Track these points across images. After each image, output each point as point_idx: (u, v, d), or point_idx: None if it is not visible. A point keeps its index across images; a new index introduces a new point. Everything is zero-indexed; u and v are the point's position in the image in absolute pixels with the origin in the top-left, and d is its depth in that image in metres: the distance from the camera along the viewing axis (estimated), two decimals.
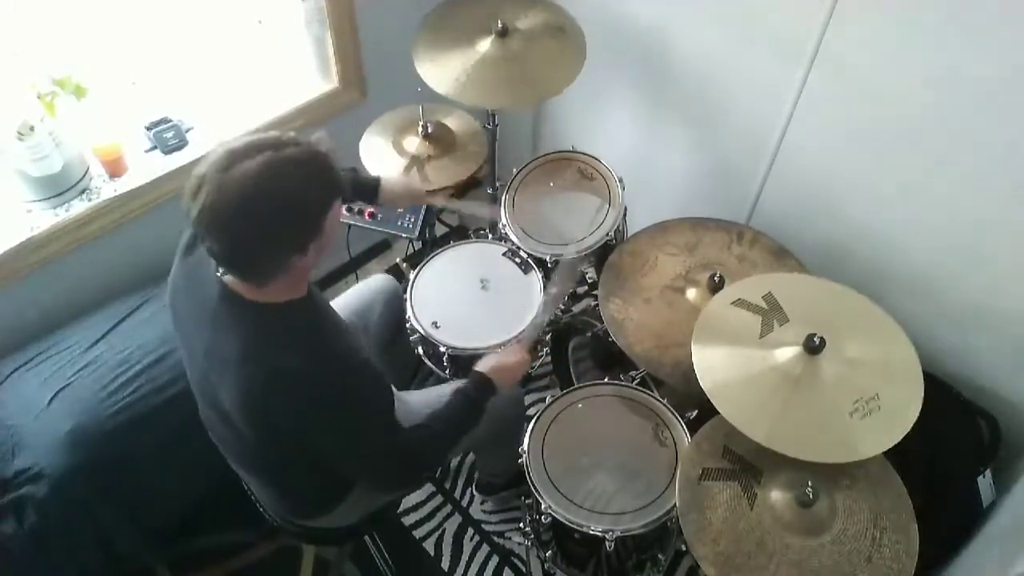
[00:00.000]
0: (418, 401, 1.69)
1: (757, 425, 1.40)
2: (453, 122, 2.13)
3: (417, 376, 2.29)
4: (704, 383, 1.46)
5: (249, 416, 1.26)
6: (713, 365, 1.49)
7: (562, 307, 2.27)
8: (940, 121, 1.62)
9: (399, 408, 1.52)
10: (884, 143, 1.76)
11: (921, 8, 1.53)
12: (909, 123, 1.68)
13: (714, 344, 1.53)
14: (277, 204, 1.14)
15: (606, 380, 1.83)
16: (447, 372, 1.92)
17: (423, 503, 2.24)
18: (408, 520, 2.21)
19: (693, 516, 1.43)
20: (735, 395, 1.44)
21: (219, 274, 1.27)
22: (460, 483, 2.28)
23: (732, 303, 1.59)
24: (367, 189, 1.76)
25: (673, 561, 2.01)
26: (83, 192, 1.91)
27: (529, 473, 1.66)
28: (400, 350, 2.02)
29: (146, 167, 1.99)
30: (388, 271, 2.75)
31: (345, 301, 1.91)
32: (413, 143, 2.05)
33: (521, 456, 1.68)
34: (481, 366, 1.58)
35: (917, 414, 1.39)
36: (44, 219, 1.86)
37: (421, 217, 2.09)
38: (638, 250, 1.88)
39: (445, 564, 2.14)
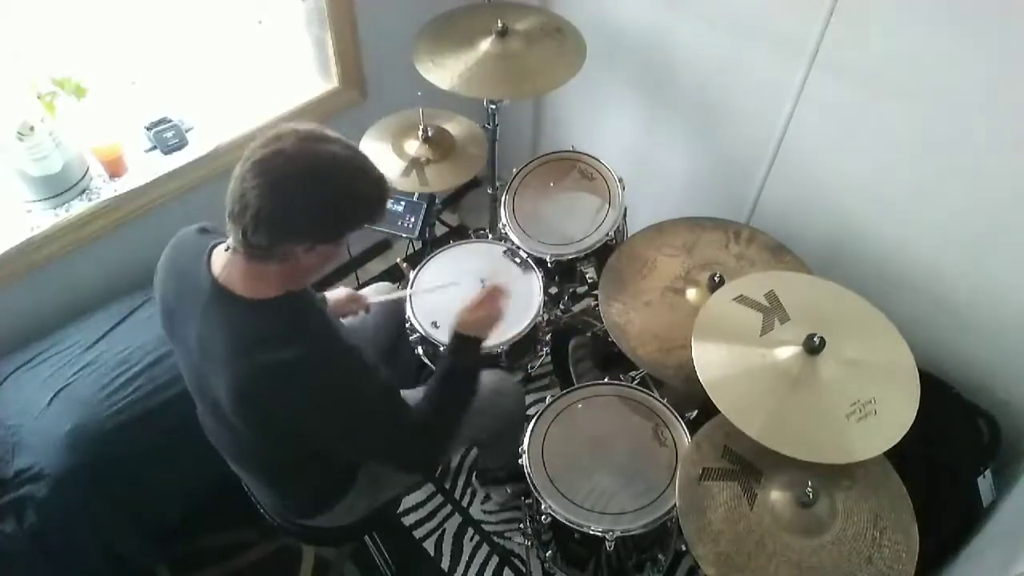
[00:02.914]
0: (417, 397, 1.69)
1: (753, 420, 1.40)
2: (453, 127, 2.13)
3: (418, 381, 2.29)
4: (703, 376, 1.46)
5: (246, 411, 1.27)
6: (712, 360, 1.49)
7: (562, 307, 2.27)
8: (940, 120, 1.63)
9: None
10: (884, 142, 1.76)
11: (920, 7, 1.53)
12: (909, 122, 1.68)
13: (714, 339, 1.53)
14: (336, 193, 1.19)
15: (606, 380, 1.83)
16: None
17: (423, 503, 2.24)
18: (408, 520, 2.21)
19: (693, 516, 1.43)
20: (733, 390, 1.45)
21: (211, 269, 1.28)
22: (460, 483, 2.28)
23: (734, 299, 1.59)
24: None
25: (673, 561, 2.01)
26: (83, 192, 1.91)
27: (529, 473, 1.66)
28: (401, 357, 2.03)
29: (146, 167, 1.99)
30: (388, 271, 2.77)
31: None
32: (413, 146, 2.05)
33: (521, 456, 1.68)
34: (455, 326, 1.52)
35: (912, 420, 1.39)
36: (44, 219, 1.85)
37: (421, 217, 2.09)
38: (636, 252, 1.88)
39: (445, 564, 2.14)
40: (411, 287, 1.96)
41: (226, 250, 1.27)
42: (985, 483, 1.69)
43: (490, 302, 1.55)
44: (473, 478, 2.26)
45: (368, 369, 1.35)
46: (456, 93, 1.89)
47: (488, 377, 1.74)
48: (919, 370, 1.46)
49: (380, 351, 1.93)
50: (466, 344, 1.49)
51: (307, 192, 1.17)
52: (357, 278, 2.64)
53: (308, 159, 1.16)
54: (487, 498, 2.24)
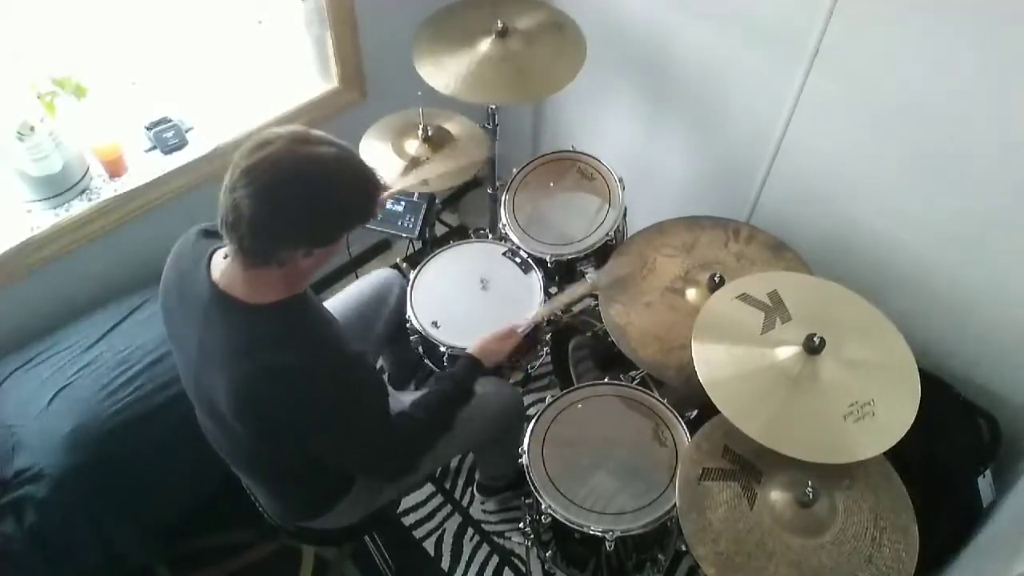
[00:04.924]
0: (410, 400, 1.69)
1: (752, 420, 1.40)
2: (453, 126, 2.13)
3: (417, 375, 2.29)
4: (703, 376, 1.46)
5: (243, 414, 1.27)
6: (712, 359, 1.49)
7: (562, 308, 2.27)
8: (940, 119, 1.63)
9: (394, 407, 1.52)
10: (884, 141, 1.76)
11: (920, 7, 1.53)
12: (909, 121, 1.68)
13: (715, 339, 1.53)
14: (327, 195, 1.18)
15: (606, 380, 1.83)
16: None
17: (423, 503, 2.24)
18: (408, 520, 2.21)
19: (693, 516, 1.43)
20: (732, 389, 1.45)
21: (211, 273, 1.28)
22: (460, 483, 2.28)
23: (736, 297, 1.59)
24: None
25: (673, 561, 2.00)
26: (83, 192, 1.91)
27: (529, 473, 1.66)
28: (403, 347, 2.03)
29: (146, 167, 1.98)
30: None
31: (348, 296, 1.91)
32: (413, 145, 2.05)
33: (521, 456, 1.68)
34: (470, 347, 1.62)
35: (911, 422, 1.39)
36: (44, 219, 1.85)
37: (421, 217, 2.09)
38: (636, 253, 1.88)
39: (445, 564, 2.14)
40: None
41: (224, 257, 1.27)
42: (985, 483, 1.69)
43: (509, 339, 1.66)
44: (474, 490, 2.26)
45: (366, 379, 1.36)
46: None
47: (486, 385, 1.74)
48: (919, 370, 1.46)
49: (381, 349, 1.93)
50: (476, 369, 1.58)
51: (299, 198, 1.15)
52: (357, 278, 2.63)
53: (297, 164, 1.15)
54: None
